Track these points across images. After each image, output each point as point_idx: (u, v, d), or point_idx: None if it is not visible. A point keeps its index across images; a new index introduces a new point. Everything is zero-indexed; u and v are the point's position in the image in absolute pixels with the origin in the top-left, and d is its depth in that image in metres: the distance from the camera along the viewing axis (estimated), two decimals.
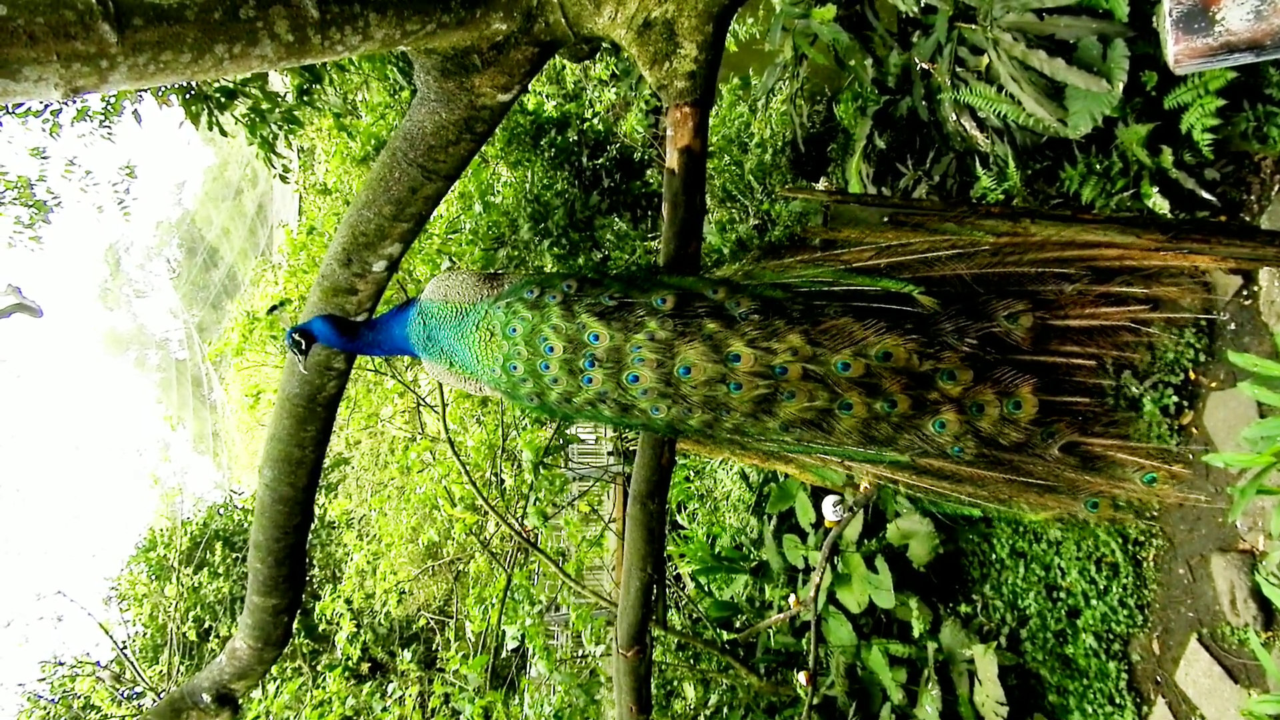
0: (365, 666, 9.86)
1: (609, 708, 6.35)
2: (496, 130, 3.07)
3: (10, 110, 5.95)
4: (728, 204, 8.12)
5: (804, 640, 6.61)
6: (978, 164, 5.72)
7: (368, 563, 9.72)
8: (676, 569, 8.67)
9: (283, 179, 7.07)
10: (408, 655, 9.13)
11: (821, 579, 5.63)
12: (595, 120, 9.35)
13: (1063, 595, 6.01)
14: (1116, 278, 2.22)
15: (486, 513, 7.57)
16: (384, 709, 7.51)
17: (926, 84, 5.86)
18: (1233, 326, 5.20)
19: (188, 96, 5.40)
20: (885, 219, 2.74)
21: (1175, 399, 5.36)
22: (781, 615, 6.60)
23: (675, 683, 7.27)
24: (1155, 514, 5.53)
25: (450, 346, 2.70)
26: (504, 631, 6.68)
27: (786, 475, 6.86)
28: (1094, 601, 5.80)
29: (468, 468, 7.19)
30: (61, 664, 10.25)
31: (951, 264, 2.31)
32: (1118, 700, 5.66)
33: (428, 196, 2.74)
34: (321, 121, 9.08)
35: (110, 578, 12.54)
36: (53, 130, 6.23)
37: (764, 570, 7.42)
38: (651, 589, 3.01)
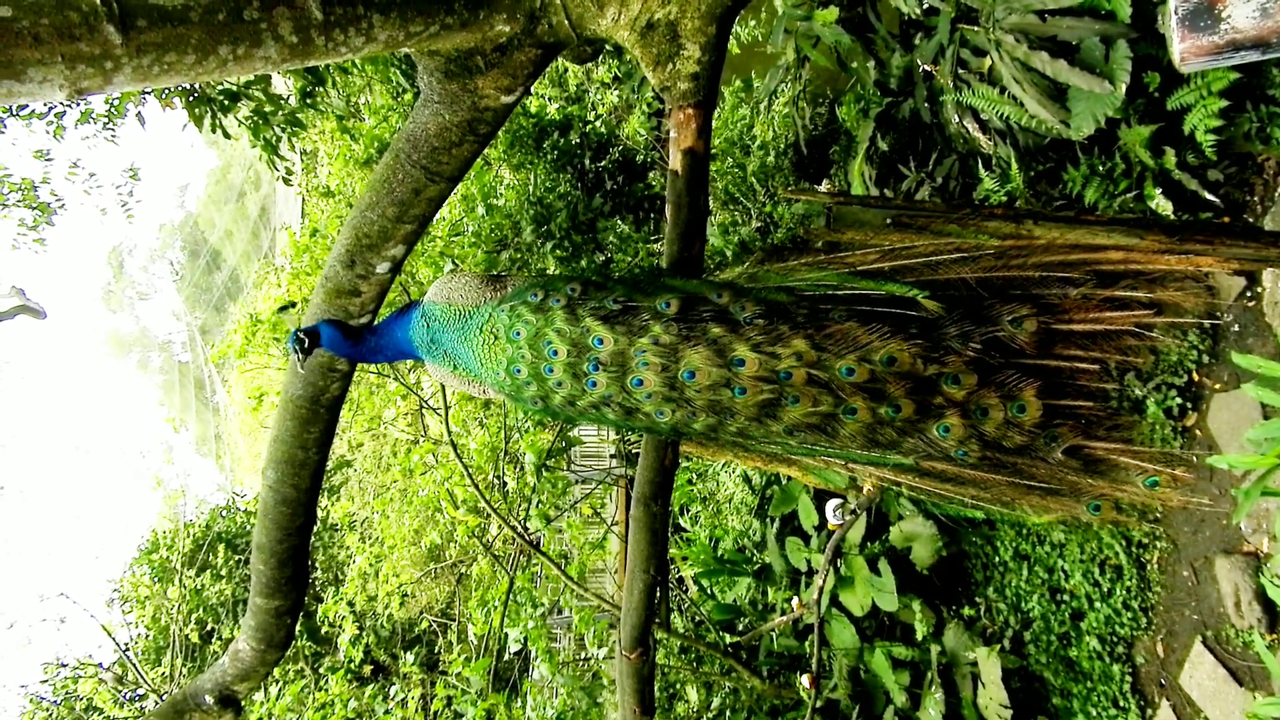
0: (368, 669, 9.86)
1: (611, 710, 6.34)
2: (499, 133, 3.07)
3: (14, 112, 5.97)
4: (730, 206, 8.12)
5: (807, 643, 6.60)
6: (980, 166, 5.72)
7: (370, 565, 9.73)
8: (679, 571, 8.67)
9: (286, 181, 7.08)
10: (410, 658, 9.11)
11: (824, 581, 5.61)
12: (598, 123, 9.36)
13: (1066, 598, 6.00)
14: (1121, 282, 2.22)
15: (489, 515, 7.57)
16: (386, 711, 7.50)
17: (929, 86, 5.86)
18: (1236, 328, 5.19)
19: (191, 99, 5.40)
20: (888, 221, 2.74)
21: (1179, 400, 5.34)
22: (784, 618, 6.59)
23: (678, 685, 7.26)
24: (1159, 516, 5.52)
25: (454, 349, 2.70)
26: (506, 634, 6.67)
27: (789, 478, 6.85)
28: (1098, 604, 5.79)
29: (470, 470, 7.18)
30: (64, 666, 10.26)
31: (956, 267, 2.31)
32: (1122, 703, 5.64)
33: (431, 198, 2.74)
34: (324, 124, 9.09)
35: (113, 580, 12.55)
36: (57, 132, 6.25)
37: (767, 573, 7.42)
38: (655, 591, 3.00)
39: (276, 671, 7.83)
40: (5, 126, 6.20)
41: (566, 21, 2.45)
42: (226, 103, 5.52)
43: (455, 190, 3.09)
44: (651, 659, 3.20)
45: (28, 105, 5.81)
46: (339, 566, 12.28)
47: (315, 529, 3.85)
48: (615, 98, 9.65)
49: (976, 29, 4.91)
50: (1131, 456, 2.21)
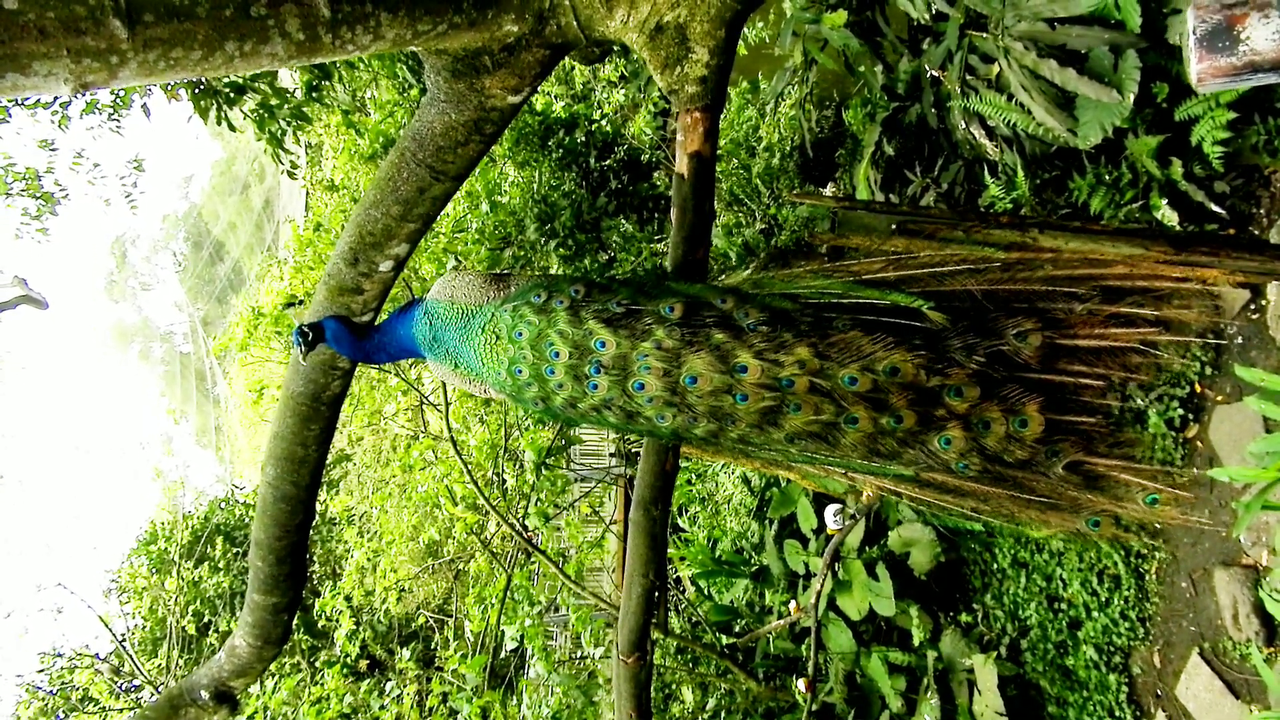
0: (364, 664, 9.87)
1: (607, 709, 6.33)
2: (504, 130, 3.06)
3: (19, 102, 5.96)
4: (734, 207, 8.11)
5: (804, 646, 6.60)
6: (986, 172, 5.70)
7: (368, 560, 9.73)
8: (676, 572, 8.66)
9: (290, 175, 7.08)
10: (406, 653, 9.13)
11: (822, 585, 5.61)
12: (603, 121, 9.35)
13: (1064, 606, 5.99)
14: (1127, 298, 2.21)
15: (488, 512, 7.57)
16: (382, 707, 7.50)
17: (936, 91, 5.85)
18: (1240, 340, 5.18)
19: (197, 91, 5.40)
20: (894, 226, 2.73)
21: (1181, 412, 5.33)
22: (782, 621, 6.58)
23: (673, 686, 7.26)
24: (1158, 529, 5.51)
25: (456, 348, 2.69)
26: (503, 631, 6.68)
27: (789, 480, 6.85)
28: (1095, 613, 5.78)
29: (470, 467, 7.19)
30: (60, 656, 10.26)
31: (961, 279, 2.30)
32: (1118, 713, 5.64)
33: (435, 197, 2.73)
34: (330, 118, 9.10)
35: (110, 570, 12.57)
36: (61, 123, 6.24)
37: (765, 575, 7.41)
38: (653, 595, 2.99)
39: (273, 665, 7.84)
40: (10, 116, 6.20)
41: (575, 23, 2.44)
42: (232, 95, 5.52)
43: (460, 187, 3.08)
44: (649, 663, 3.20)
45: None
46: (337, 560, 12.29)
47: (313, 523, 3.85)
48: (621, 96, 9.63)
49: (985, 35, 4.90)
50: (1132, 473, 2.21)
